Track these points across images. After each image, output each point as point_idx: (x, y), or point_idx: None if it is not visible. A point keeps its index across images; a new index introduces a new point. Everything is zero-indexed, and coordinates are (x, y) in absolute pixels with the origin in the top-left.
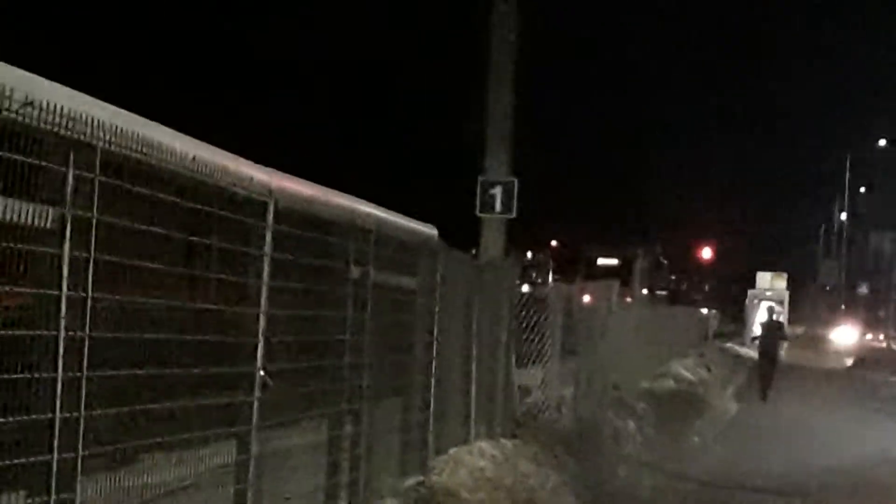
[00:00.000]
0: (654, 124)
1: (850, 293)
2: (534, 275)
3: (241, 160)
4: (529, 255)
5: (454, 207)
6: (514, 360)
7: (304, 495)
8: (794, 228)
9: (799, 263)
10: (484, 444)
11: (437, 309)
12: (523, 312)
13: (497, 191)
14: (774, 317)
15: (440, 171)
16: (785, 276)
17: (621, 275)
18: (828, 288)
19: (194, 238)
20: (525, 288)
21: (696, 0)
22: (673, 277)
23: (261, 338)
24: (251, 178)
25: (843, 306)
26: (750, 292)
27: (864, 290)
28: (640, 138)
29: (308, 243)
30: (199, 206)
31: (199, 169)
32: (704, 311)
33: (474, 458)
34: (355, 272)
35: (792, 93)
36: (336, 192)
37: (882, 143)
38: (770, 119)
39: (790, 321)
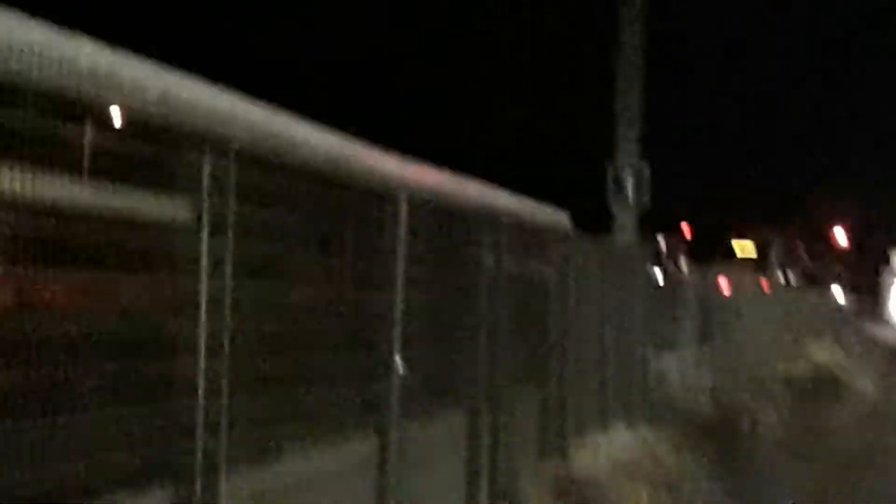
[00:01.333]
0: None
1: None
2: (667, 260)
3: (373, 152)
4: (661, 239)
5: (587, 193)
6: (650, 346)
7: (447, 482)
8: None
9: None
10: (622, 431)
11: (570, 295)
12: (659, 298)
13: (627, 175)
14: None
15: (574, 156)
16: None
17: (756, 259)
18: None
19: (330, 231)
20: (658, 273)
21: None
22: (806, 258)
23: (398, 326)
24: (383, 170)
25: None
26: (885, 269)
27: None
28: (765, 116)
29: (441, 233)
30: (334, 201)
31: (335, 163)
32: (837, 291)
33: (612, 445)
34: (489, 260)
35: None
36: (466, 180)
37: None
38: None
39: None
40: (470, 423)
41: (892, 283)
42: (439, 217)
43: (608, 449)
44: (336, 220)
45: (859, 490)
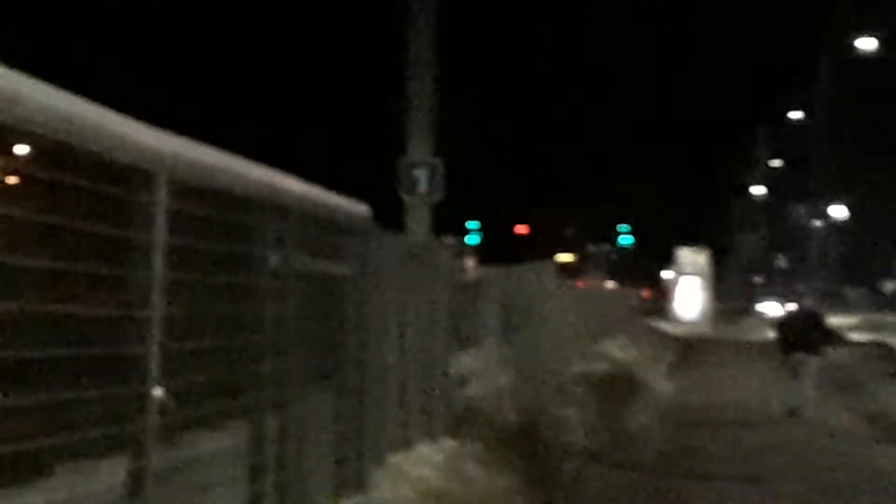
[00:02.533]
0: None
1: (768, 266)
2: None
3: (121, 119)
4: (449, 239)
5: (384, 190)
6: (451, 349)
7: None
8: (708, 203)
9: (716, 238)
10: (425, 448)
11: (368, 296)
12: (458, 298)
13: (421, 172)
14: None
15: (368, 152)
16: (705, 251)
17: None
18: (745, 262)
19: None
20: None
21: None
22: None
23: (154, 347)
24: (135, 142)
25: (759, 279)
26: (670, 269)
27: (782, 262)
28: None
29: (213, 225)
30: (61, 177)
31: (66, 128)
32: (630, 290)
33: (416, 467)
34: (274, 255)
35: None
36: (248, 162)
37: (796, 114)
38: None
39: (714, 296)
40: (252, 453)
41: (678, 282)
42: (211, 204)
43: (411, 472)
44: (63, 203)
45: (667, 495)
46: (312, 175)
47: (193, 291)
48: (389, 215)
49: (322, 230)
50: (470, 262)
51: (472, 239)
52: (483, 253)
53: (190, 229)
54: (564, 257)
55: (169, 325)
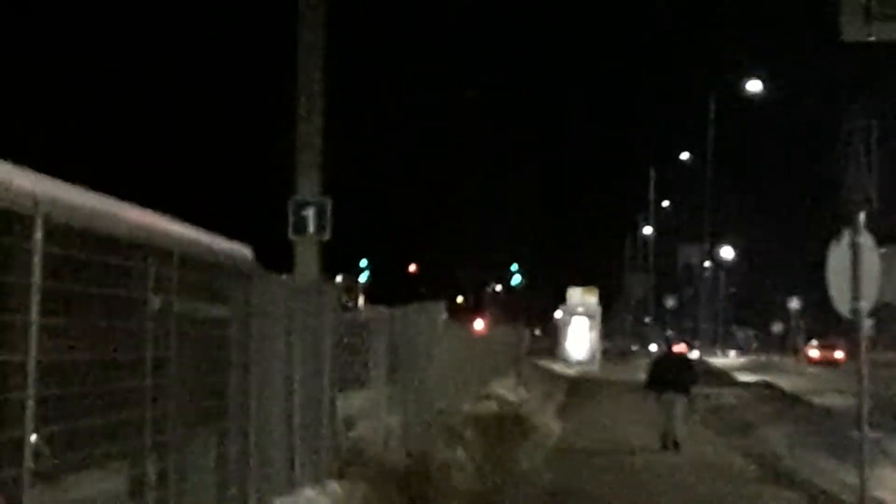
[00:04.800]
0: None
1: (657, 306)
2: (346, 299)
3: None
4: (339, 279)
5: (266, 230)
6: (337, 390)
7: None
8: (599, 244)
9: (606, 278)
10: (310, 492)
11: (252, 338)
12: (344, 339)
13: (310, 212)
14: (674, 346)
15: (251, 191)
16: (596, 290)
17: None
18: (633, 302)
19: None
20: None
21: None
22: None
23: (31, 393)
24: (9, 185)
25: (648, 319)
26: (561, 308)
27: (671, 302)
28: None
29: (92, 269)
30: None
31: None
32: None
33: None
34: (155, 302)
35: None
36: (127, 205)
37: (685, 156)
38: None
39: (603, 335)
40: (131, 492)
41: (568, 322)
42: (90, 247)
43: None
44: None
45: None
46: (200, 218)
47: (70, 336)
48: (279, 257)
49: (204, 272)
50: (360, 301)
51: (363, 276)
52: (374, 292)
53: (67, 273)
54: (458, 299)
55: (45, 370)
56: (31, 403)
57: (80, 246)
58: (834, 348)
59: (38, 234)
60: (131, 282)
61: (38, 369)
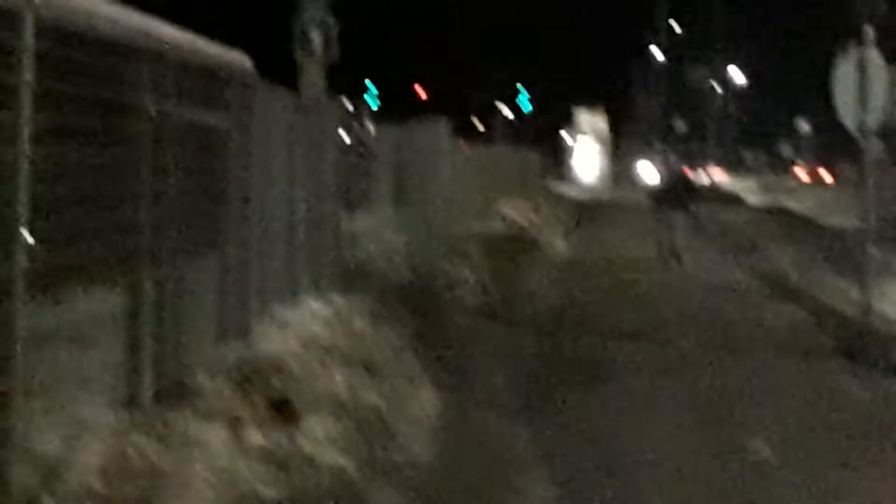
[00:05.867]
0: None
1: (667, 129)
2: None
3: None
4: (346, 101)
5: (273, 49)
6: (343, 207)
7: (95, 378)
8: (608, 66)
9: (614, 100)
10: (314, 303)
11: (252, 150)
12: (350, 157)
13: (315, 32)
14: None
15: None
16: (604, 111)
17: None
18: (643, 124)
19: None
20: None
21: None
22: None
23: (23, 190)
24: None
25: (654, 143)
26: (568, 130)
27: (681, 126)
28: None
29: (85, 68)
30: None
31: None
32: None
33: (303, 320)
34: (150, 106)
35: None
36: (122, 7)
37: None
38: None
39: (613, 158)
40: (128, 302)
41: (576, 144)
42: (79, 46)
43: (298, 326)
44: None
45: (557, 350)
46: (202, 31)
47: (63, 136)
48: (286, 79)
49: (201, 78)
50: (368, 123)
51: (372, 101)
52: (383, 116)
53: (58, 73)
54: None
55: (38, 169)
56: (23, 200)
57: (72, 46)
58: (818, 169)
59: (29, 32)
60: (125, 84)
61: (31, 166)
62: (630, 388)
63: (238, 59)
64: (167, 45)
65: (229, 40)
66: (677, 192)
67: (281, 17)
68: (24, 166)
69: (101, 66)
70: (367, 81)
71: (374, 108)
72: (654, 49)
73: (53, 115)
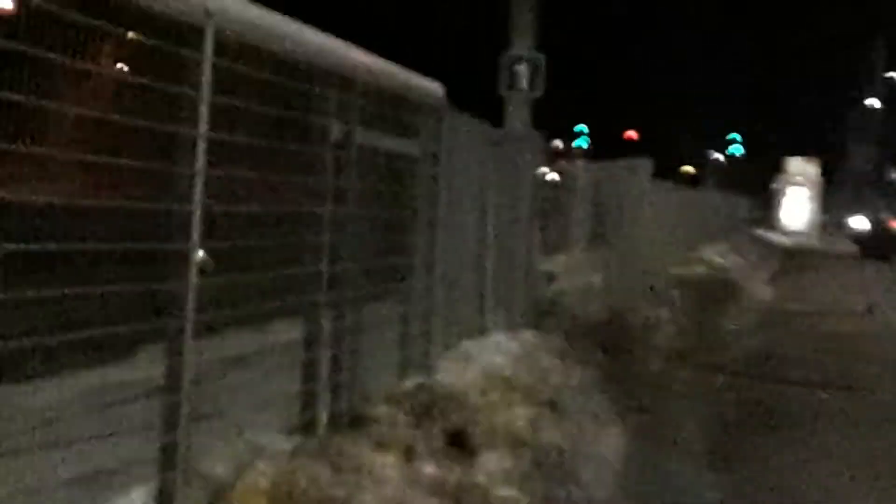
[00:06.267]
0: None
1: (880, 179)
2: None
3: None
4: (554, 139)
5: (477, 86)
6: (536, 242)
7: (271, 405)
8: (822, 115)
9: (828, 150)
10: (501, 337)
11: (442, 180)
12: (549, 195)
13: (522, 67)
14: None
15: (461, 48)
16: (817, 160)
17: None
18: (856, 175)
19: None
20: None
21: None
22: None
23: (197, 205)
24: None
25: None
26: (779, 177)
27: (894, 175)
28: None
29: (266, 87)
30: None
31: None
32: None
33: (489, 354)
34: (336, 129)
35: None
36: (307, 26)
37: None
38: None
39: (822, 208)
40: (307, 331)
41: (785, 191)
42: (264, 64)
43: (482, 359)
44: (103, 51)
45: (751, 398)
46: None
47: (241, 154)
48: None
49: (390, 106)
50: (576, 162)
51: (581, 141)
52: (593, 156)
53: (237, 90)
54: (687, 168)
55: (213, 186)
56: (197, 217)
57: (253, 64)
58: None
59: (209, 46)
60: (310, 106)
61: (206, 186)
62: (825, 440)
63: (429, 86)
64: (356, 68)
65: (435, 72)
66: (882, 242)
67: (489, 50)
68: (200, 184)
69: (289, 86)
70: (581, 126)
71: (585, 147)
72: (871, 100)
73: (232, 133)
